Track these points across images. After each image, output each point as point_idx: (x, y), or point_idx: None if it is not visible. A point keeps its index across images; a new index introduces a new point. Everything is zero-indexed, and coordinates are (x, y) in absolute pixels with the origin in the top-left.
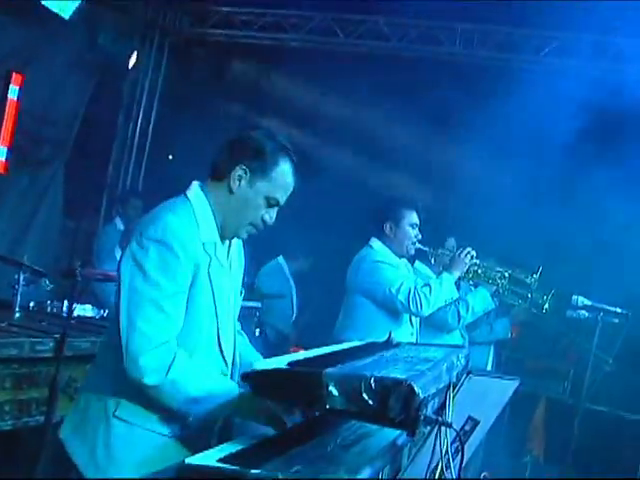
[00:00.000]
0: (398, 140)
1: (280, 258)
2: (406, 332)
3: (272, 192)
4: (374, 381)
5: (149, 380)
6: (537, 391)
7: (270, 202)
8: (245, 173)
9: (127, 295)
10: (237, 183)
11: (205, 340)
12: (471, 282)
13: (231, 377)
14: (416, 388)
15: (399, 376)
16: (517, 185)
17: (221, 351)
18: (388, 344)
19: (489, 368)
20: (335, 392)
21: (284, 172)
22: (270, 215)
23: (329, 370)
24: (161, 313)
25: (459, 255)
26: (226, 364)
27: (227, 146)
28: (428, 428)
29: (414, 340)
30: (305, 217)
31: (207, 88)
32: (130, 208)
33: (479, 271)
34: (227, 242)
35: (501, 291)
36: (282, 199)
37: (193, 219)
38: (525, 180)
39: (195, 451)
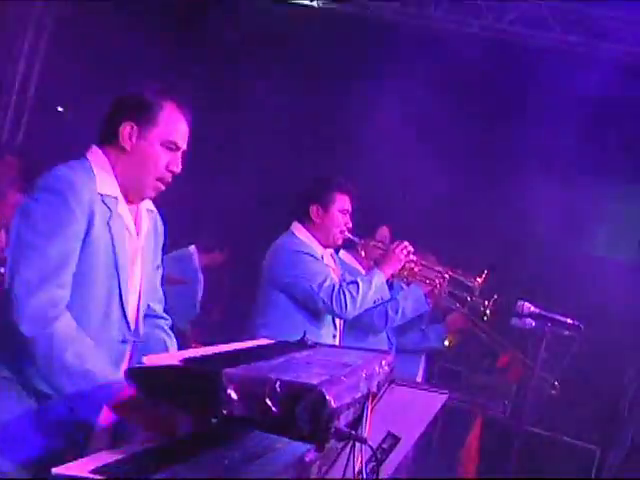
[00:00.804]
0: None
1: (192, 247)
2: (328, 334)
3: (166, 136)
4: (280, 385)
5: (25, 329)
6: (473, 409)
7: (169, 147)
8: (132, 128)
9: (14, 243)
10: (128, 140)
11: (105, 294)
12: (404, 281)
13: (132, 352)
14: (328, 396)
15: (309, 381)
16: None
17: (124, 312)
18: (302, 345)
19: (419, 380)
20: (234, 396)
21: (171, 112)
22: (173, 162)
23: (228, 370)
24: (46, 260)
25: (394, 249)
26: (129, 328)
27: (110, 110)
28: (341, 443)
29: (337, 342)
30: (221, 204)
31: (108, 24)
32: (3, 166)
33: (416, 269)
34: (134, 208)
35: (437, 293)
36: (181, 142)
37: (91, 172)
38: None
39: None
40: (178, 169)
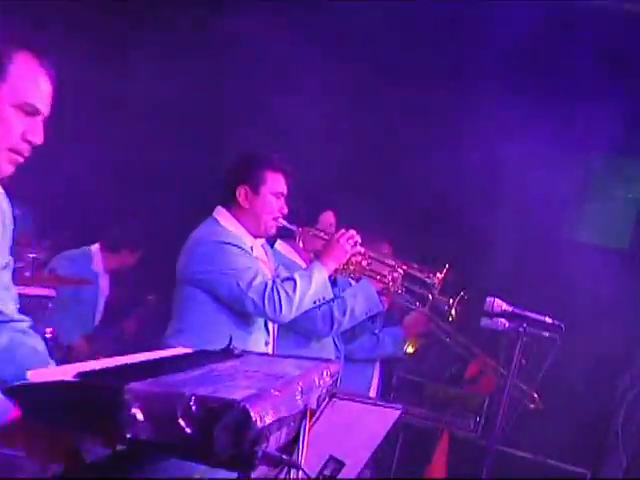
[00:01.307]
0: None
1: (95, 246)
2: (259, 341)
3: (19, 96)
4: (195, 402)
5: None
6: (438, 426)
7: (26, 110)
8: None
9: None
10: None
11: None
12: (352, 277)
13: None
14: (253, 413)
15: (231, 396)
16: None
17: None
18: (226, 353)
19: (373, 393)
20: (140, 416)
21: (25, 67)
22: (31, 129)
23: (133, 385)
24: None
25: (338, 239)
26: None
27: None
28: (273, 470)
29: (270, 351)
30: (134, 195)
31: None
32: None
33: (364, 263)
34: None
35: (392, 290)
36: (41, 104)
37: None
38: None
39: None
40: (37, 138)
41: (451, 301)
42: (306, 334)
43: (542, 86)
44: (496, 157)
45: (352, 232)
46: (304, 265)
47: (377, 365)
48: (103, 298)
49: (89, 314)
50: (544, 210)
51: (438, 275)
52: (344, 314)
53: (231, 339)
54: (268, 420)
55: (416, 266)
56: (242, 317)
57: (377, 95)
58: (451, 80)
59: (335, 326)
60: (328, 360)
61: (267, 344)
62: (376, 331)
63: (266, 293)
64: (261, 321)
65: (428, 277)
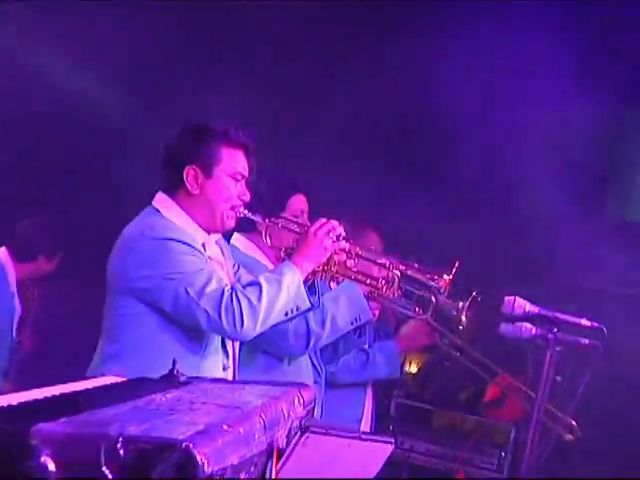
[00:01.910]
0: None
1: (2, 251)
2: (214, 364)
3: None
4: (123, 443)
5: None
6: (452, 466)
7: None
8: None
9: None
10: None
11: None
12: (334, 281)
13: None
14: (199, 456)
15: (170, 435)
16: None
17: None
18: (168, 381)
19: (365, 425)
20: (52, 465)
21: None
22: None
23: (43, 426)
24: None
25: (315, 233)
26: None
27: None
28: None
29: (230, 377)
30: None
31: None
32: None
33: (349, 262)
34: None
35: (384, 293)
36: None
37: None
38: None
39: None
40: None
41: (460, 304)
42: (276, 353)
43: None
44: None
45: (333, 223)
46: (272, 266)
47: (369, 390)
48: (17, 315)
49: (9, 336)
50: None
51: (445, 277)
52: (323, 325)
53: (175, 362)
54: (219, 464)
55: (416, 266)
56: (192, 335)
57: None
58: None
59: (312, 341)
60: (300, 385)
61: (226, 368)
62: (365, 346)
63: (223, 303)
64: (217, 339)
65: (432, 279)
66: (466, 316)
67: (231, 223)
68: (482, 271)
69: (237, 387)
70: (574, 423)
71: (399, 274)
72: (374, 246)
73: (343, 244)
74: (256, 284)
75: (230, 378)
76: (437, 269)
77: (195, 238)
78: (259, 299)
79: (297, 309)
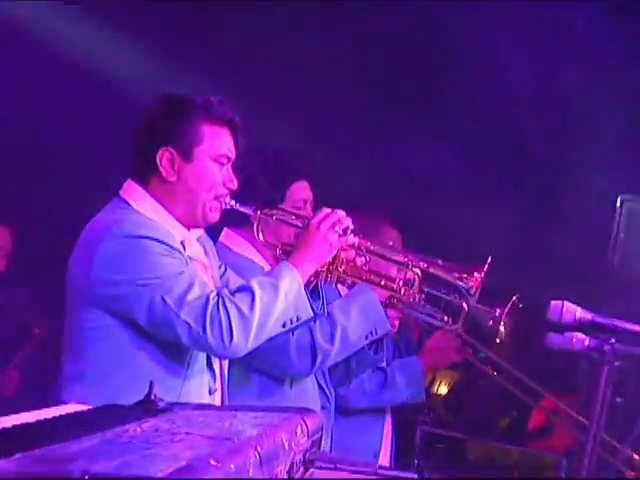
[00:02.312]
0: None
1: None
2: (199, 387)
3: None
4: None
5: None
6: None
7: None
8: None
9: None
10: None
11: None
12: (342, 284)
13: None
14: None
15: (146, 472)
16: None
17: None
18: (144, 408)
19: (384, 459)
20: None
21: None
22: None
23: None
24: None
25: (318, 226)
26: None
27: None
28: None
29: (218, 402)
30: None
31: None
32: None
33: (359, 261)
34: None
35: (404, 299)
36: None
37: None
38: None
39: None
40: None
41: (497, 311)
42: (275, 374)
43: None
44: None
45: (340, 213)
46: (267, 267)
47: (388, 417)
48: None
49: None
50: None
51: (476, 275)
52: (332, 340)
53: (151, 385)
54: None
55: (441, 263)
56: (172, 352)
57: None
58: None
59: (319, 359)
60: (304, 411)
61: (213, 392)
62: (383, 364)
63: (208, 313)
64: (202, 357)
65: (460, 279)
66: (505, 326)
67: (215, 216)
68: (521, 269)
69: (227, 414)
70: (637, 457)
71: (420, 273)
72: (391, 242)
73: (352, 239)
74: (247, 290)
75: (218, 403)
76: (467, 266)
77: (172, 235)
78: (251, 308)
79: (297, 319)
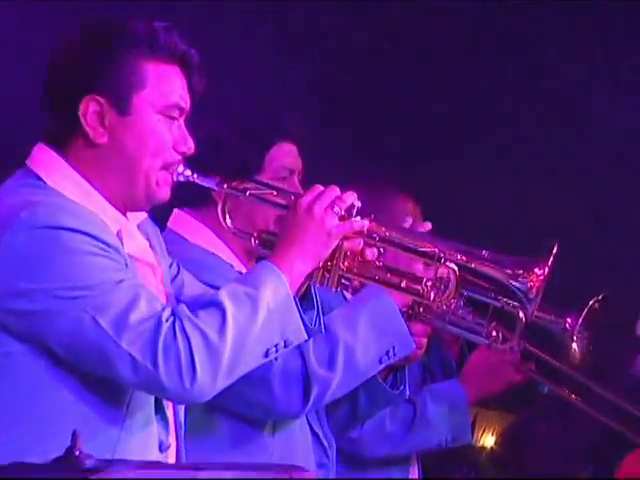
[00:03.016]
0: None
1: None
2: (143, 439)
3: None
4: None
5: None
6: None
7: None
8: None
9: None
10: None
11: None
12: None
13: None
14: None
15: None
16: None
17: None
18: (64, 466)
19: None
20: None
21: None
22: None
23: None
24: None
25: (309, 205)
26: None
27: None
28: None
29: (172, 458)
30: None
31: None
32: None
33: (370, 254)
34: None
35: (437, 308)
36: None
37: None
38: None
39: None
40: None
41: (568, 321)
42: (251, 416)
43: None
44: None
45: (335, 191)
46: (238, 265)
47: (414, 468)
48: None
49: None
50: None
51: (537, 272)
52: (332, 365)
53: (75, 437)
54: None
55: (486, 254)
56: (106, 392)
57: None
58: None
59: (313, 394)
60: (293, 469)
61: (165, 448)
62: (406, 394)
63: (160, 342)
64: (149, 401)
65: (515, 277)
66: (579, 341)
67: (164, 192)
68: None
69: (184, 475)
70: None
71: (457, 270)
72: (411, 222)
73: (359, 222)
74: (215, 305)
75: (172, 461)
76: (523, 259)
77: (104, 223)
78: (221, 332)
79: (285, 345)
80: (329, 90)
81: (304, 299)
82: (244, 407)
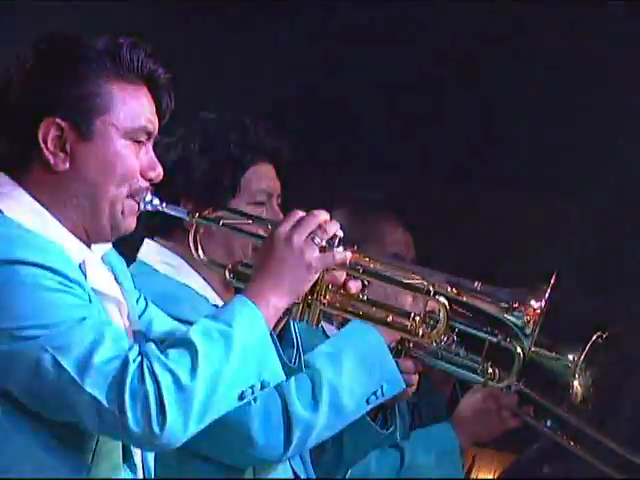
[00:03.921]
0: None
1: None
2: None
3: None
4: None
5: None
6: None
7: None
8: None
9: None
10: None
11: None
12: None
13: None
14: None
15: None
16: None
17: None
18: None
19: None
20: None
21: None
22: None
23: None
24: None
25: (287, 235)
26: None
27: None
28: None
29: None
30: None
31: None
32: None
33: (354, 287)
34: None
35: (427, 343)
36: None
37: None
38: None
39: None
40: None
41: (571, 357)
42: (228, 461)
43: None
44: None
45: (320, 216)
46: (214, 298)
47: None
48: None
49: None
50: None
51: (534, 305)
52: (315, 406)
53: None
54: None
55: (479, 286)
56: (69, 439)
57: None
58: None
59: (295, 437)
60: None
61: None
62: (396, 438)
63: (127, 385)
64: (116, 448)
65: (510, 310)
66: (582, 378)
67: (129, 223)
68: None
69: None
70: None
71: (448, 304)
72: (400, 250)
73: (341, 254)
74: (185, 344)
75: None
76: (519, 290)
77: (66, 254)
78: (192, 373)
79: (262, 386)
80: (309, 105)
81: (282, 336)
82: (221, 452)
